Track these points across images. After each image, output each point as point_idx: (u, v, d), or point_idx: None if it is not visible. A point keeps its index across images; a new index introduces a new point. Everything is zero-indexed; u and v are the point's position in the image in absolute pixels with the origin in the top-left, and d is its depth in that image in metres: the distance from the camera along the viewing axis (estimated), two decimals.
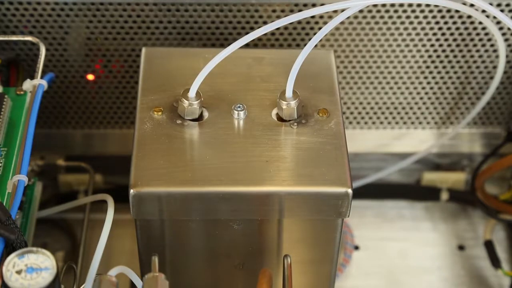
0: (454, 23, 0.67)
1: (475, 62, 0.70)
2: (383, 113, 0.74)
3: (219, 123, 0.54)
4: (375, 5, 0.66)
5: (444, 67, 0.71)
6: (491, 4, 0.62)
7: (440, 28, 0.68)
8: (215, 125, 0.54)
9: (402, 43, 0.69)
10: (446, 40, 0.69)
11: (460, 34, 0.68)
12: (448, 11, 0.67)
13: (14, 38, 0.65)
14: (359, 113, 0.74)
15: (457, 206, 0.78)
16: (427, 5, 0.66)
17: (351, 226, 0.75)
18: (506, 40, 0.68)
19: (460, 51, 0.70)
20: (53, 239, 0.73)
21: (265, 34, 0.62)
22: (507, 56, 0.69)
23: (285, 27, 0.67)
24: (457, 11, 0.66)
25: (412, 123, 0.75)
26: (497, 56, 0.70)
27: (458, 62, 0.70)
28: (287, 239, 0.55)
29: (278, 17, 0.66)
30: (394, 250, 0.74)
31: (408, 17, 0.67)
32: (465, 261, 0.74)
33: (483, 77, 0.71)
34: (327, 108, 0.55)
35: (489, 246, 0.73)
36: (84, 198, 0.68)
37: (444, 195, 0.78)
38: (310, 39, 0.52)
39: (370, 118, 0.74)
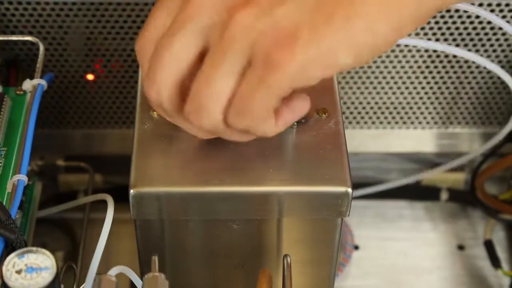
0: (454, 23, 0.67)
1: (474, 62, 0.70)
2: (383, 113, 0.74)
3: None
4: None
5: (444, 67, 0.71)
6: (490, 4, 0.62)
7: (439, 28, 0.68)
8: None
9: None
10: (445, 40, 0.69)
11: (460, 34, 0.68)
12: (448, 10, 0.66)
13: (13, 38, 0.64)
14: (359, 113, 0.74)
15: (457, 206, 0.78)
16: None
17: (351, 226, 0.75)
18: (506, 40, 0.68)
19: None
20: (53, 239, 0.73)
21: None
22: (506, 56, 0.69)
23: None
24: (457, 10, 0.66)
25: (412, 123, 0.75)
26: (497, 56, 0.70)
27: (458, 62, 0.70)
28: (286, 239, 0.55)
29: None
30: (394, 250, 0.74)
31: None
32: (465, 261, 0.74)
33: (483, 77, 0.71)
34: (326, 108, 0.55)
35: (489, 246, 0.73)
36: (84, 198, 0.68)
37: (444, 195, 0.78)
38: None
39: (370, 118, 0.74)
